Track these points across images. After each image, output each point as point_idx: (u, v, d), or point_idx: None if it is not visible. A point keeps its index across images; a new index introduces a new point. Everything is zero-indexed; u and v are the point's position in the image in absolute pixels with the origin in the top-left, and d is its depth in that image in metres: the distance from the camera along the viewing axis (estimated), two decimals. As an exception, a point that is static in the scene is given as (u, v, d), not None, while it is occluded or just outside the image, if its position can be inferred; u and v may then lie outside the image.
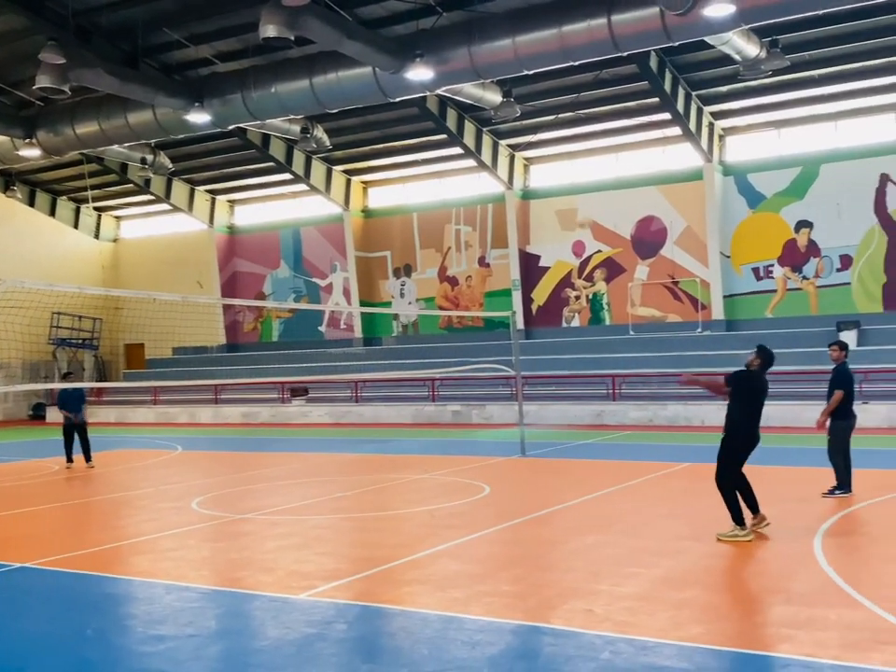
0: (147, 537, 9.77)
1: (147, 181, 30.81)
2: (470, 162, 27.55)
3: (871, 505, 10.35)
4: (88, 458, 16.46)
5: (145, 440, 22.99)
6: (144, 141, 23.71)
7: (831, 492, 10.76)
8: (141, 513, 11.58)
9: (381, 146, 28.06)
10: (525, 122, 25.10)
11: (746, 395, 8.77)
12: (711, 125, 24.93)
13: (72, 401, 16.42)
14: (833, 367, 11.01)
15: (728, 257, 25.43)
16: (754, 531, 8.72)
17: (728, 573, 7.59)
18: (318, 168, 29.67)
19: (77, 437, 16.40)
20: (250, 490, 13.36)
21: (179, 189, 32.46)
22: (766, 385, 9.03)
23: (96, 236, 36.54)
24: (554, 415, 23.43)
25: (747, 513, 8.81)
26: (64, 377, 17.79)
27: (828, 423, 10.71)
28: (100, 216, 36.46)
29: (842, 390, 10.60)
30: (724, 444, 8.85)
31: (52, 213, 34.76)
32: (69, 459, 16.39)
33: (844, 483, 10.80)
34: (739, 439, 8.79)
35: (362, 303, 30.64)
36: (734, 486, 8.74)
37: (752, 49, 18.18)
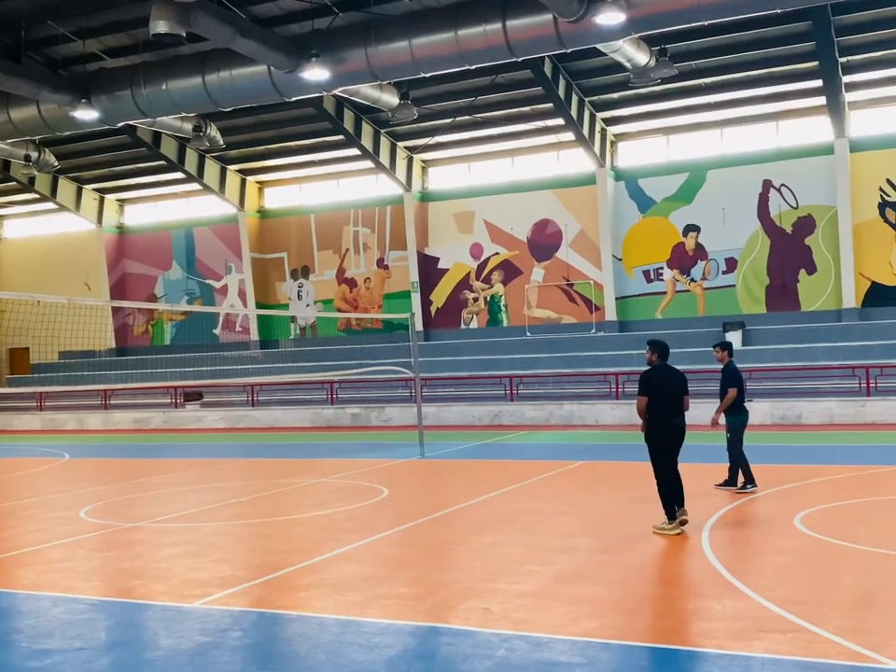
0: (33, 548, 9.40)
1: (32, 179, 29.59)
2: (368, 164, 27.49)
3: (754, 499, 10.79)
4: None
5: (30, 447, 22.12)
6: (28, 137, 22.80)
7: (743, 487, 11.08)
8: (26, 524, 11.14)
9: (277, 145, 27.71)
10: (422, 125, 25.22)
11: (652, 390, 8.99)
12: (604, 131, 25.55)
13: None
14: (721, 367, 11.42)
15: (620, 259, 26.11)
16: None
17: (620, 568, 7.79)
18: (212, 167, 29.09)
19: None
20: (142, 498, 13.01)
21: (66, 187, 31.30)
22: (674, 376, 9.12)
23: (-24, 236, 34.95)
24: (453, 416, 23.60)
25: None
26: None
27: (723, 420, 11.10)
28: (-20, 214, 34.89)
29: (734, 387, 11.01)
30: (646, 442, 9.08)
31: (-72, 211, 33.11)
32: None
33: (750, 478, 11.13)
34: (656, 434, 9.01)
35: (258, 306, 30.18)
36: (665, 481, 8.97)
37: (642, 58, 18.72)
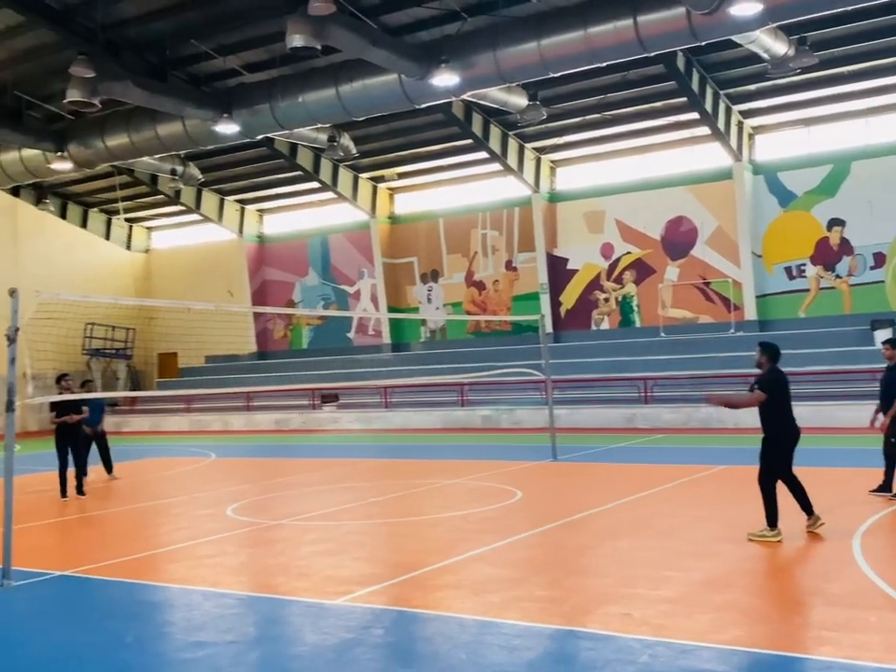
0: (184, 544, 9.85)
1: (178, 192, 31.11)
2: (496, 166, 27.56)
3: (910, 505, 10.20)
4: (109, 470, 15.86)
5: (179, 447, 23.19)
6: (173, 152, 23.96)
7: None
8: (176, 521, 11.68)
9: (407, 152, 28.14)
10: (550, 125, 25.07)
11: (776, 391, 8.75)
12: (740, 124, 24.76)
13: (91, 410, 15.14)
14: (885, 366, 10.89)
15: (760, 256, 25.22)
16: (809, 531, 8.74)
17: (766, 575, 7.51)
18: (345, 176, 29.82)
19: (96, 448, 15.56)
20: (283, 496, 13.44)
21: (209, 199, 32.75)
22: (786, 380, 8.97)
23: (128, 247, 36.95)
24: (585, 419, 23.32)
25: (801, 515, 8.77)
26: (83, 385, 17.25)
27: (881, 422, 10.59)
28: (131, 227, 36.86)
29: None
30: (764, 445, 8.79)
31: (84, 225, 35.22)
32: (84, 472, 14.93)
33: None
34: (778, 436, 8.72)
35: (390, 309, 30.72)
36: (774, 486, 8.68)
37: (780, 47, 18.04)
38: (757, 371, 9.16)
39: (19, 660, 6.12)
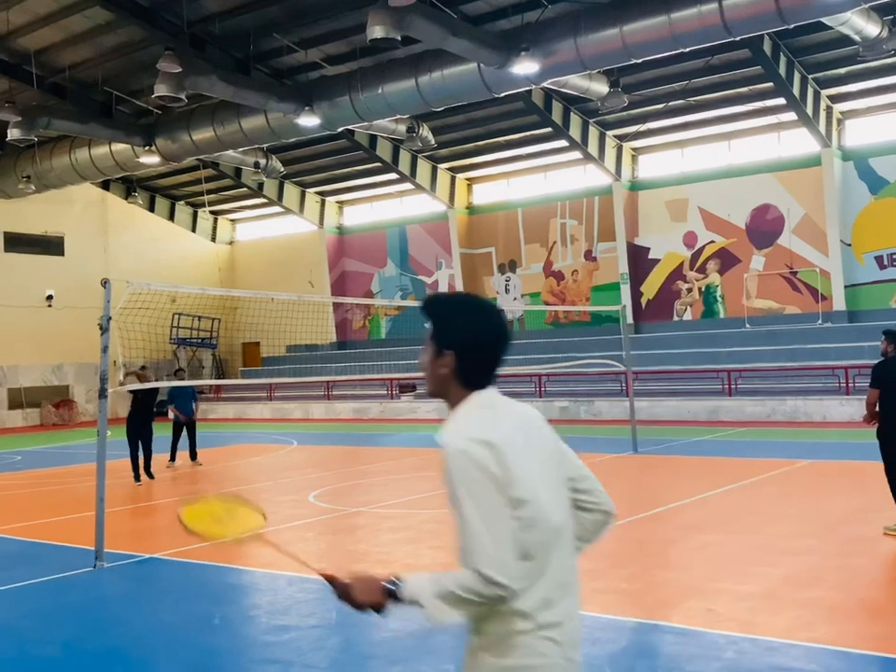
0: (268, 529, 9.96)
1: (261, 185, 31.67)
2: (576, 155, 27.28)
3: None
4: (193, 456, 16.18)
5: (262, 435, 23.66)
6: (257, 145, 24.38)
7: None
8: (261, 506, 11.90)
9: (485, 142, 28.06)
10: (632, 112, 24.70)
11: (885, 384, 8.37)
12: (829, 109, 24.00)
13: (182, 398, 15.95)
14: None
15: (849, 245, 24.43)
16: None
17: (856, 573, 7.29)
18: (424, 167, 29.91)
19: (185, 435, 16.05)
20: (363, 484, 13.59)
21: (291, 191, 33.25)
22: None
23: (213, 239, 37.79)
24: (666, 412, 22.98)
25: None
26: (175, 374, 17.74)
27: None
28: (216, 219, 37.67)
29: None
30: (887, 440, 8.44)
31: (171, 217, 36.15)
32: (172, 458, 15.95)
33: None
34: (889, 431, 8.36)
35: (469, 300, 30.64)
36: None
37: (873, 29, 17.43)
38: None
39: (111, 639, 6.33)
